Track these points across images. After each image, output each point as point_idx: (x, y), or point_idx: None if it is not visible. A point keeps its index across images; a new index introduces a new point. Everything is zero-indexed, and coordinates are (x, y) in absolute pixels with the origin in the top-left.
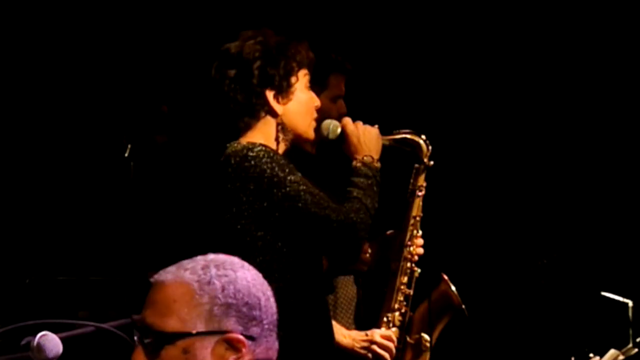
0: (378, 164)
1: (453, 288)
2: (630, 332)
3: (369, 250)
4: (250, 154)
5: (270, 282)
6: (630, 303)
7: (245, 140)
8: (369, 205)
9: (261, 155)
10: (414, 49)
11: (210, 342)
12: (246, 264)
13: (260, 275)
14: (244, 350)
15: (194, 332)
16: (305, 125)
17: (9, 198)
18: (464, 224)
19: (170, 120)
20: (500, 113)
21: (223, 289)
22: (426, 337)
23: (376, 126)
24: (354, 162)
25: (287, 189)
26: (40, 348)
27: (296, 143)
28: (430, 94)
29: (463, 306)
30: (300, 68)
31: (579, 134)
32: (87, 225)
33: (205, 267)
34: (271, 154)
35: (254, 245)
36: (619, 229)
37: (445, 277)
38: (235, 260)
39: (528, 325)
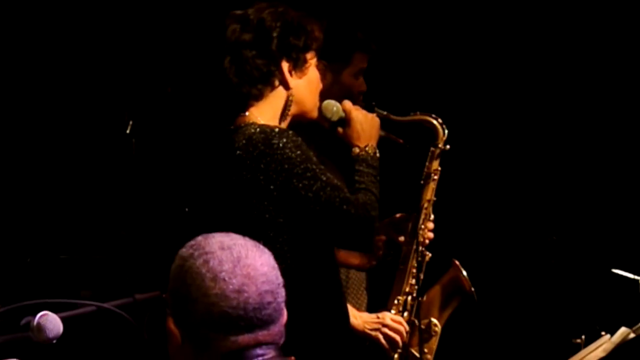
0: (378, 154)
1: (464, 273)
2: None
3: (380, 244)
4: (274, 140)
5: (282, 264)
6: None
7: (255, 114)
8: (378, 196)
9: (285, 141)
10: (434, 34)
11: None
12: (227, 249)
13: (245, 266)
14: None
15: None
16: (312, 103)
17: (10, 176)
18: (472, 204)
19: (174, 101)
20: (508, 94)
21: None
22: (436, 322)
23: (376, 114)
24: (357, 150)
25: (309, 178)
26: (40, 328)
27: (300, 119)
28: (441, 78)
29: (473, 289)
30: (316, 46)
31: (591, 112)
32: (89, 203)
33: (189, 246)
34: (294, 139)
35: (268, 227)
36: (629, 205)
37: (457, 262)
38: (215, 246)
39: (539, 303)
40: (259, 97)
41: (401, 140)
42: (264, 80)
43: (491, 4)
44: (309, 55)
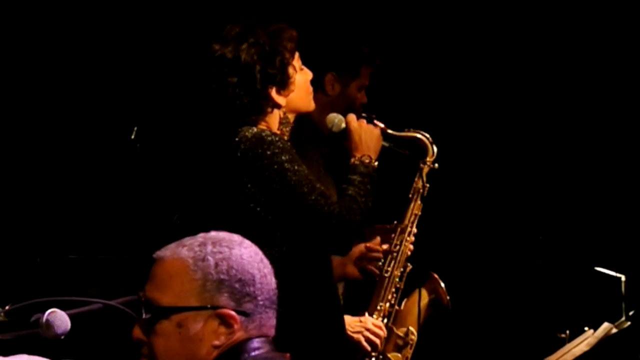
0: (375, 164)
1: (442, 285)
2: (623, 306)
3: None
4: (262, 140)
5: (268, 257)
6: (623, 278)
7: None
8: (363, 205)
9: (272, 143)
10: (423, 50)
11: (203, 317)
12: (246, 242)
13: (259, 252)
14: (235, 326)
15: (187, 306)
16: (306, 103)
17: (20, 179)
18: (460, 204)
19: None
20: (492, 95)
21: (216, 265)
22: (413, 330)
23: (378, 127)
24: (352, 160)
25: (290, 178)
26: (49, 324)
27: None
28: (428, 80)
29: (449, 301)
30: (293, 55)
31: (575, 113)
32: (96, 205)
33: (202, 244)
34: (282, 142)
35: (255, 223)
36: (611, 204)
37: (435, 275)
38: (235, 237)
39: (525, 299)
40: (253, 123)
41: (407, 152)
42: (255, 112)
43: (485, 18)
44: (290, 70)
